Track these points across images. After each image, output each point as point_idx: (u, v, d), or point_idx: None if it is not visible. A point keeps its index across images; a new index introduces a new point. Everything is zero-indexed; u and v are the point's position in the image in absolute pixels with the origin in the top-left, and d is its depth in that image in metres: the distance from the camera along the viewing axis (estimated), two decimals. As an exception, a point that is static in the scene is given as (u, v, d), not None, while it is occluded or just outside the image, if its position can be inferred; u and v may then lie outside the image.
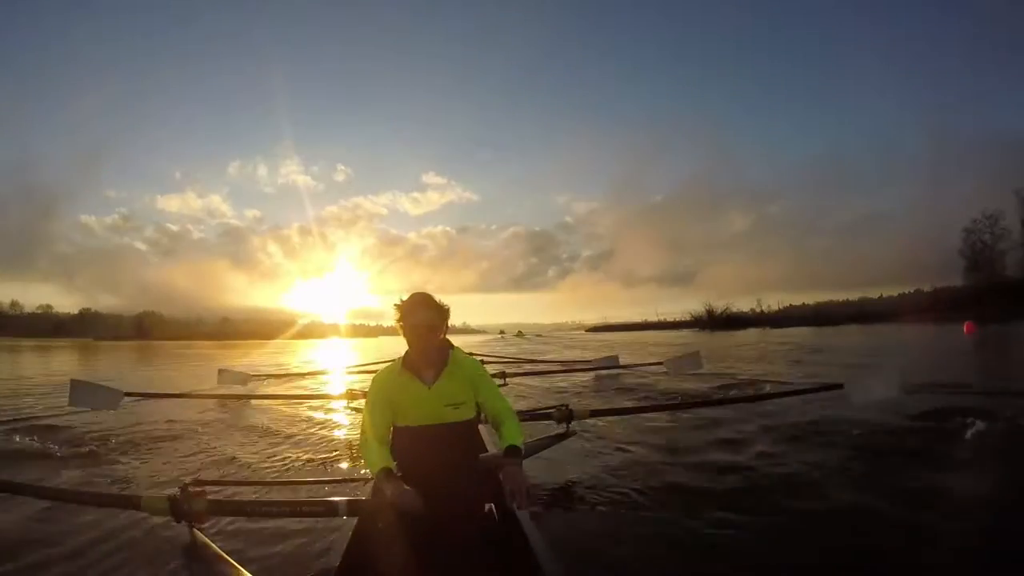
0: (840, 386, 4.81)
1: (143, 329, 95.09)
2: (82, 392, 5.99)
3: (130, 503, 2.58)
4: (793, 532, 3.04)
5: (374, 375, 2.67)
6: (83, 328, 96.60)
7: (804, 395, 5.55)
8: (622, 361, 11.19)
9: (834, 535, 3.01)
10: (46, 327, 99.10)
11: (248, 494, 3.61)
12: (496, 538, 2.21)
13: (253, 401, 8.43)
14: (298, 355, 26.84)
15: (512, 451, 2.34)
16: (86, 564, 2.80)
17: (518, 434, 2.44)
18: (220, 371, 9.44)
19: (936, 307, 52.07)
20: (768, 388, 8.31)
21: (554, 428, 4.37)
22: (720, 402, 7.15)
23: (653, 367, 10.66)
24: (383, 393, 2.52)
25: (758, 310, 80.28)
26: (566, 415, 4.29)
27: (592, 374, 11.00)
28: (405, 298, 2.54)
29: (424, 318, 2.47)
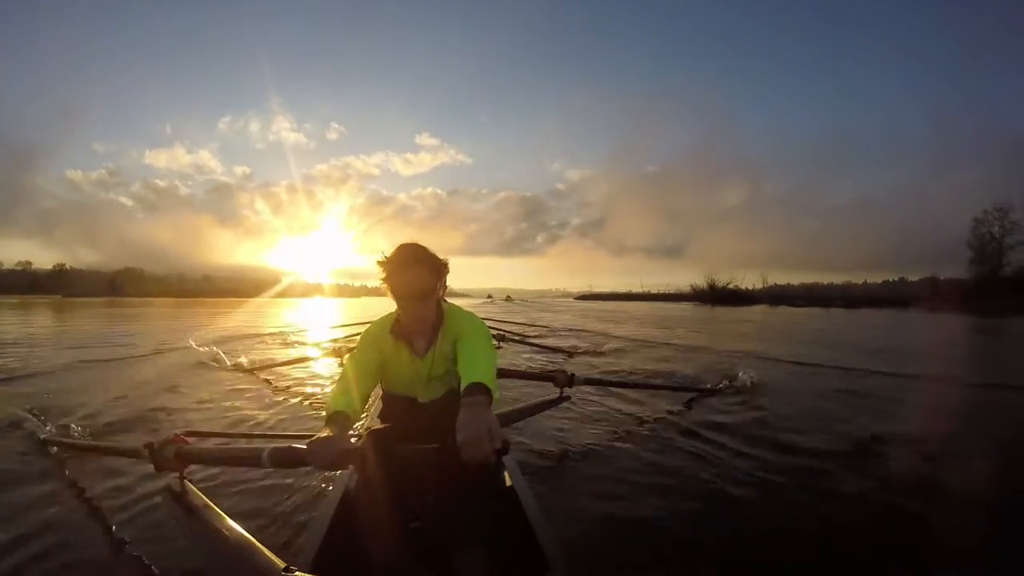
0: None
1: (115, 286, 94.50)
2: None
3: (115, 452, 2.76)
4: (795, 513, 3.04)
5: (365, 330, 2.37)
6: (60, 285, 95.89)
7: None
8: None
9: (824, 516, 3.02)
10: (21, 283, 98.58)
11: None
12: (491, 505, 2.09)
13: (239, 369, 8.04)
14: (276, 319, 24.30)
15: (474, 388, 1.77)
16: (72, 509, 2.90)
17: (487, 371, 1.89)
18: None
19: (939, 296, 52.37)
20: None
21: (551, 392, 4.37)
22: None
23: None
24: (374, 346, 2.26)
25: (747, 286, 79.35)
26: (567, 379, 4.29)
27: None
28: (390, 254, 2.14)
29: (416, 281, 2.10)
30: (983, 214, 56.77)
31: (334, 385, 2.19)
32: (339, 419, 1.97)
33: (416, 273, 2.10)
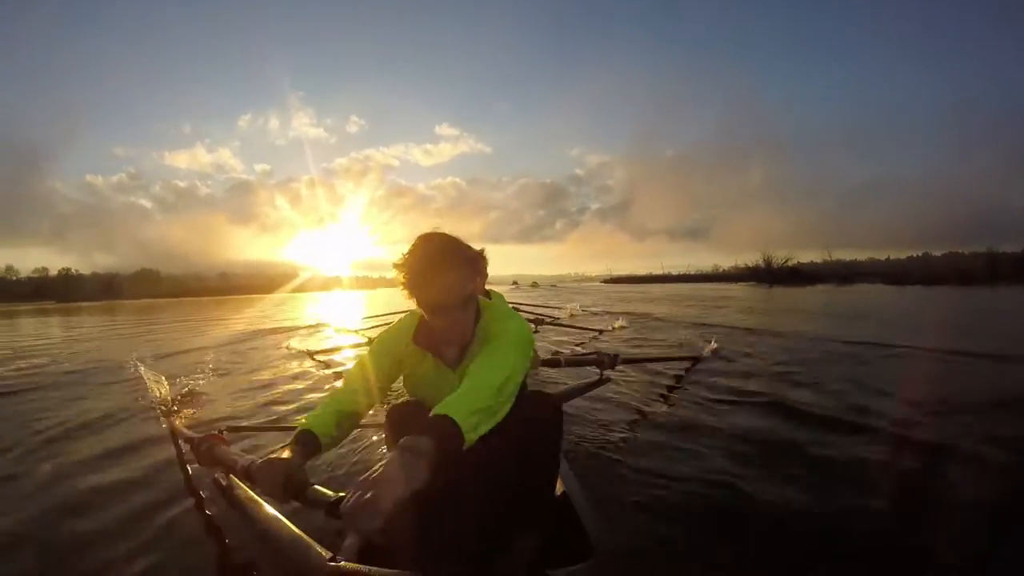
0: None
1: (112, 288, 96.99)
2: None
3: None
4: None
5: (380, 334, 2.12)
6: (66, 290, 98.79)
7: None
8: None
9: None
10: (27, 290, 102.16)
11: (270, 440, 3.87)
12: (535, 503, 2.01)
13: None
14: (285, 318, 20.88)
15: (435, 423, 1.43)
16: (118, 498, 3.01)
17: (475, 399, 1.51)
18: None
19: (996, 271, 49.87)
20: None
21: (590, 375, 4.53)
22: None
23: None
24: (391, 356, 2.00)
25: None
26: (610, 361, 4.43)
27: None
28: (407, 252, 1.75)
29: (447, 291, 1.74)
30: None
31: (339, 388, 1.99)
32: (304, 439, 1.76)
33: (446, 282, 1.72)
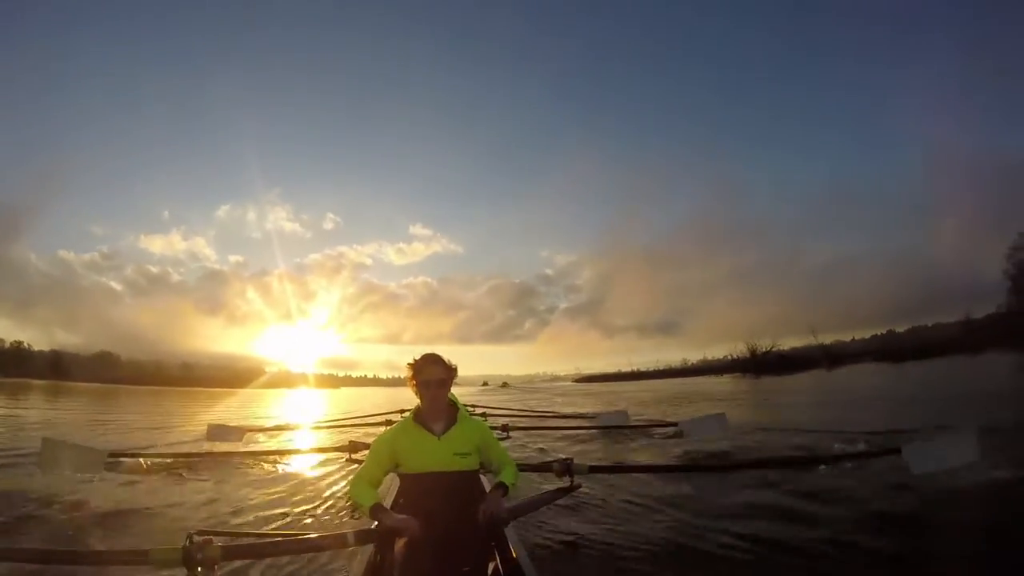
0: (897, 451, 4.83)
1: (60, 369, 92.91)
2: (57, 453, 6.01)
3: (137, 558, 2.67)
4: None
5: (380, 435, 3.28)
6: (14, 365, 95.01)
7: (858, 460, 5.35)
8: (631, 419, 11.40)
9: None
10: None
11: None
12: None
13: (248, 459, 8.42)
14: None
15: (499, 485, 3.06)
16: None
17: (513, 477, 3.14)
18: (210, 426, 9.50)
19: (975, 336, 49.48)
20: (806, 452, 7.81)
21: (556, 482, 4.50)
22: (743, 466, 6.62)
23: (665, 428, 10.11)
24: (388, 445, 3.10)
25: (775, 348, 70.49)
26: (566, 468, 4.31)
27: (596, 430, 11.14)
28: (417, 358, 3.11)
29: (435, 374, 3.05)
30: (1019, 238, 52.46)
31: (357, 482, 3.02)
32: (381, 507, 2.86)
33: (435, 369, 3.05)
